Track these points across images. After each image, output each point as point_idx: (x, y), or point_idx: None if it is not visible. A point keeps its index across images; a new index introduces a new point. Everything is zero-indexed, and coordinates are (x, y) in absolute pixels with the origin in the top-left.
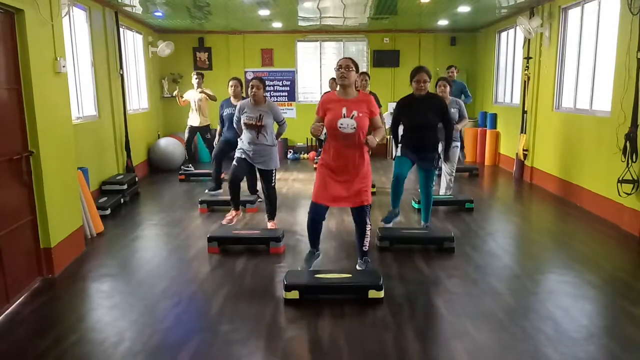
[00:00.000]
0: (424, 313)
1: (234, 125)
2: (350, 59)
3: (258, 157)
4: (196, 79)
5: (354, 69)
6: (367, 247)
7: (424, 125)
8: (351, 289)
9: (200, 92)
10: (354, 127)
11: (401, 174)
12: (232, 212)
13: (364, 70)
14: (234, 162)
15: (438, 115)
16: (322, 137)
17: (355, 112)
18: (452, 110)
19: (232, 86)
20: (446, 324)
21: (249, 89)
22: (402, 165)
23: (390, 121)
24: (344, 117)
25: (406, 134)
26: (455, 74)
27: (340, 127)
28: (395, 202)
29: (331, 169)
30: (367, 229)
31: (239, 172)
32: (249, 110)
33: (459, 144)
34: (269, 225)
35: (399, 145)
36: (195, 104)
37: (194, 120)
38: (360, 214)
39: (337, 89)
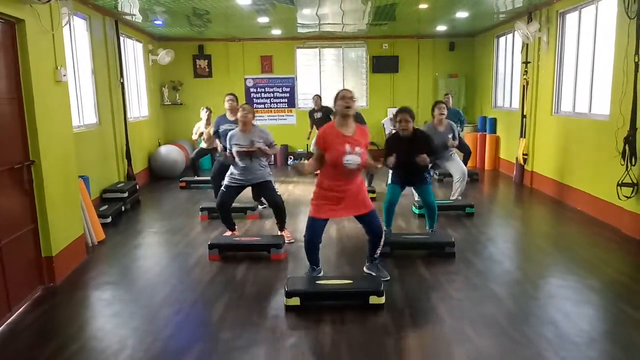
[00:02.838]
0: (425, 318)
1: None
2: (349, 90)
3: (251, 174)
4: (206, 112)
5: (355, 99)
6: (378, 253)
7: (412, 163)
8: (352, 295)
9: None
10: (358, 163)
11: (393, 200)
12: (228, 233)
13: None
14: (222, 189)
15: (424, 151)
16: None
17: (358, 149)
18: (448, 136)
19: (228, 101)
20: (447, 329)
21: (240, 110)
22: (394, 192)
23: (389, 127)
24: (349, 153)
25: (396, 168)
26: (450, 100)
27: (346, 164)
28: (389, 222)
29: (331, 199)
30: (383, 232)
31: (227, 199)
32: (239, 138)
33: (454, 151)
34: (283, 234)
35: (390, 171)
36: (205, 135)
37: (204, 144)
38: (373, 219)
39: (336, 120)
